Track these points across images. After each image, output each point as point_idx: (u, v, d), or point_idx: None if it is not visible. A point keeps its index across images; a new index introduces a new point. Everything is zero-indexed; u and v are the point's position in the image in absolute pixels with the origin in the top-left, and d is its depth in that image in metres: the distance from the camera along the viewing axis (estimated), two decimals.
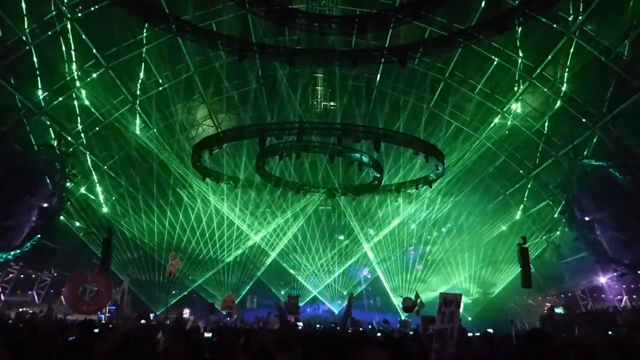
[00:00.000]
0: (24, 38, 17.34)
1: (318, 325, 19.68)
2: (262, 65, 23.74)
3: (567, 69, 19.36)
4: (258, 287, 31.06)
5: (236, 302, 26.33)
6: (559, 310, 20.43)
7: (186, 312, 26.82)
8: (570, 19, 17.74)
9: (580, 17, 17.37)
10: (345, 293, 28.96)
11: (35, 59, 18.06)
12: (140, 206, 25.79)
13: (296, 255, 30.28)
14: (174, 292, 27.75)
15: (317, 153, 23.03)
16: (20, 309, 21.22)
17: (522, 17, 15.33)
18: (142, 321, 16.26)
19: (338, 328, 19.23)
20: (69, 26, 18.15)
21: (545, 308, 26.23)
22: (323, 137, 21.00)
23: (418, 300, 22.69)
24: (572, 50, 18.35)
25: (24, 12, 17.01)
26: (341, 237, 31.49)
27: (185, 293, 28.78)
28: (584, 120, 19.97)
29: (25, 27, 17.26)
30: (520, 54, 20.29)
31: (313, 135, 20.89)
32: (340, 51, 18.99)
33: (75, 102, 21.09)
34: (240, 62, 17.57)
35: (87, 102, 21.33)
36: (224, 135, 21.06)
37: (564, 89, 20.07)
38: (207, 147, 20.25)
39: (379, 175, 22.55)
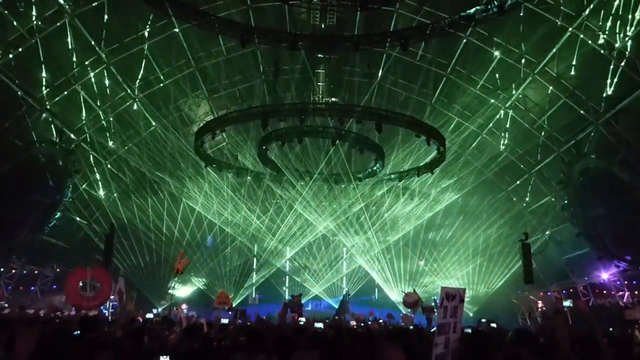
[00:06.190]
0: (26, 34, 17.31)
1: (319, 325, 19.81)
2: (264, 60, 23.76)
3: (569, 65, 19.30)
4: (260, 284, 31.19)
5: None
6: (567, 303, 20.34)
7: (184, 307, 26.83)
8: (573, 13, 17.71)
9: (583, 12, 17.32)
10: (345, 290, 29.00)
11: (37, 55, 17.96)
12: (143, 202, 25.82)
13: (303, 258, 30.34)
14: (177, 288, 27.78)
15: (319, 137, 23.12)
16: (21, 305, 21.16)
17: None
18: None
19: (337, 317, 20.59)
20: (69, 22, 18.11)
21: (539, 304, 26.20)
22: (325, 117, 20.99)
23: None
24: (577, 46, 18.25)
25: (26, 8, 16.97)
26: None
27: (189, 289, 28.85)
28: (585, 115, 19.94)
29: (27, 23, 17.21)
30: (523, 49, 20.24)
31: (315, 117, 20.95)
32: (342, 35, 18.92)
33: (77, 98, 21.05)
34: (242, 47, 17.73)
35: (88, 98, 21.32)
36: (227, 117, 20.90)
37: (566, 84, 20.03)
38: (210, 130, 20.19)
39: (380, 161, 22.52)
